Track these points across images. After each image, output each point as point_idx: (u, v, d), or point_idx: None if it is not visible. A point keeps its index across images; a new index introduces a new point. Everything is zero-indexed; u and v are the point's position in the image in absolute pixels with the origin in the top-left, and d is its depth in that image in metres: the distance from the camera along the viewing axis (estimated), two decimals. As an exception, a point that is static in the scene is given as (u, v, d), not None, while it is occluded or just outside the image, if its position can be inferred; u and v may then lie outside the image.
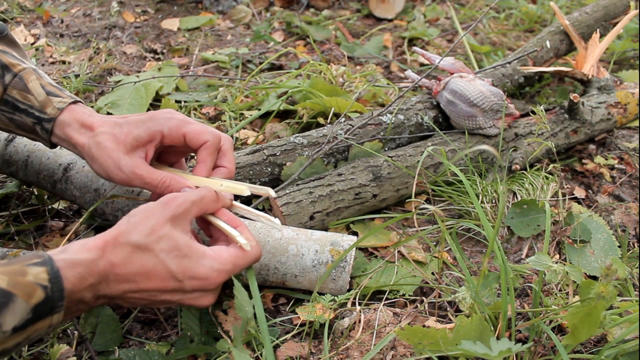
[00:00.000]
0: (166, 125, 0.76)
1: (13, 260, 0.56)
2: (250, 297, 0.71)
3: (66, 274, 0.57)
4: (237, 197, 1.04)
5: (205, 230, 0.77)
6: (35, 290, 0.55)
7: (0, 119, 0.81)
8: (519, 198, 1.08)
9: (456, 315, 0.84)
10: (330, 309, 0.81)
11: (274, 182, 1.05)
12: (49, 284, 0.56)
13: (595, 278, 0.92)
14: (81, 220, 0.90)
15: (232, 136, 1.30)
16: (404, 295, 0.88)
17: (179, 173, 0.80)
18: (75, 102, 0.80)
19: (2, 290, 0.53)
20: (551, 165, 1.11)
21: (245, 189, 0.77)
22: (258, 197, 1.02)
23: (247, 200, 1.05)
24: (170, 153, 0.83)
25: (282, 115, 1.39)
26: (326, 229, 0.99)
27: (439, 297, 0.87)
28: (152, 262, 0.63)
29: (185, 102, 1.46)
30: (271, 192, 0.79)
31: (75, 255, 0.60)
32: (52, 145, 0.82)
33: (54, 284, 0.56)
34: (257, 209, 1.06)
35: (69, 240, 0.99)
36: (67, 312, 0.59)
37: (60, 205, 1.08)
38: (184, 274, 0.64)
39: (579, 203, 1.13)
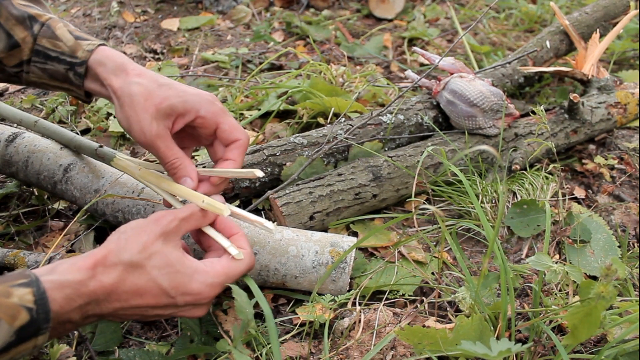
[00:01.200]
0: (205, 107, 0.73)
1: None
2: (251, 297, 0.71)
3: (53, 296, 0.56)
4: (232, 198, 1.04)
5: (200, 244, 0.76)
6: (19, 312, 0.53)
7: (34, 72, 0.79)
8: (519, 198, 1.08)
9: (456, 315, 0.84)
10: (330, 309, 0.82)
11: (274, 182, 1.05)
12: (34, 305, 0.54)
13: (595, 278, 0.92)
14: (76, 217, 0.90)
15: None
16: (404, 295, 0.88)
17: (170, 183, 0.78)
18: (103, 44, 0.78)
19: None
20: (551, 165, 1.11)
21: (225, 209, 0.73)
22: (258, 197, 1.02)
23: (247, 201, 1.05)
24: (186, 137, 0.79)
25: (282, 115, 1.39)
26: (326, 229, 0.99)
27: (439, 297, 0.87)
28: (144, 279, 0.62)
29: (185, 102, 1.46)
30: (257, 173, 0.74)
31: (63, 276, 0.58)
32: (87, 95, 0.80)
33: (39, 306, 0.55)
34: (257, 208, 1.06)
35: (69, 241, 0.99)
36: (53, 332, 0.58)
37: (60, 205, 1.08)
38: (177, 290, 0.64)
39: (579, 203, 1.13)
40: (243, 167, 0.77)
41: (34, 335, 0.55)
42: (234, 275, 0.69)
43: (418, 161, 1.06)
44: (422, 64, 1.79)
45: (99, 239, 0.99)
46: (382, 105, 1.43)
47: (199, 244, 0.76)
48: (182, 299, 0.65)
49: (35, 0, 0.83)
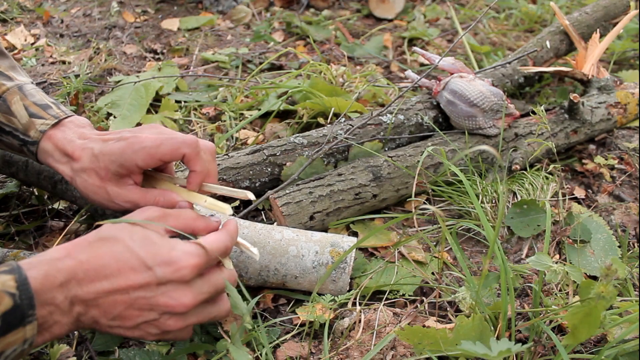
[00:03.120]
0: (138, 158, 0.71)
1: None
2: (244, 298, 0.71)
3: (32, 274, 0.55)
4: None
5: None
6: (2, 298, 0.52)
7: None
8: (519, 198, 1.08)
9: (456, 315, 0.84)
10: (330, 309, 0.82)
11: (274, 182, 1.05)
12: (16, 291, 0.53)
13: (595, 278, 0.92)
14: (76, 218, 0.90)
15: (232, 136, 1.30)
16: (404, 295, 0.88)
17: (169, 186, 0.77)
18: (56, 124, 0.77)
19: None
20: (551, 166, 1.11)
21: (228, 208, 0.72)
22: (258, 197, 1.02)
23: (246, 201, 1.05)
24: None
25: (282, 115, 1.39)
26: (326, 229, 0.99)
27: (439, 297, 0.87)
28: (120, 249, 0.60)
29: (185, 102, 1.46)
30: (249, 195, 0.75)
31: (40, 256, 0.58)
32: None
33: (22, 291, 0.53)
34: (257, 208, 1.06)
35: (68, 240, 0.99)
36: (44, 325, 0.55)
37: (60, 205, 1.08)
38: (154, 259, 0.60)
39: (579, 203, 1.13)
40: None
41: (21, 324, 0.53)
42: (216, 249, 0.65)
43: (418, 161, 1.06)
44: (422, 64, 1.79)
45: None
46: (382, 105, 1.43)
47: None
48: (161, 271, 0.60)
49: (3, 56, 0.83)
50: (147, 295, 0.61)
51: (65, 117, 0.79)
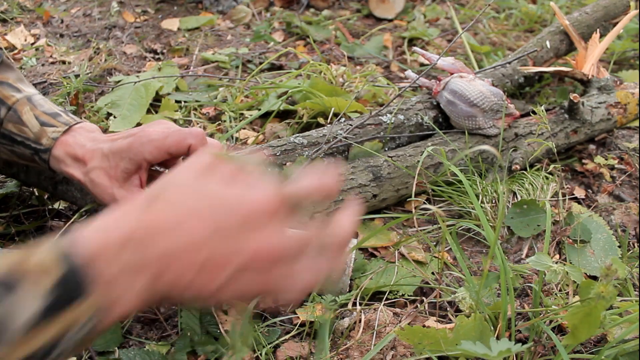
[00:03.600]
0: (146, 151, 0.74)
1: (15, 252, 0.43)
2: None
3: (85, 235, 0.43)
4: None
5: None
6: (50, 266, 0.40)
7: (3, 151, 0.83)
8: (519, 198, 1.08)
9: (456, 315, 0.84)
10: (330, 309, 0.82)
11: (274, 182, 1.05)
12: (64, 257, 0.41)
13: (595, 278, 0.92)
14: (74, 217, 0.91)
15: (232, 136, 1.30)
16: (404, 295, 0.88)
17: None
18: (67, 131, 0.79)
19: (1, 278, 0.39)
20: (551, 166, 1.11)
21: None
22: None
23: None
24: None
25: (282, 115, 1.39)
26: (326, 229, 0.99)
27: (439, 297, 0.87)
28: (190, 190, 0.46)
29: (185, 102, 1.46)
30: None
31: (92, 222, 0.45)
32: (55, 172, 0.83)
33: (71, 256, 0.41)
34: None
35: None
36: (106, 298, 0.42)
37: (60, 205, 1.08)
38: (233, 201, 0.46)
39: (579, 203, 1.13)
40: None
41: (78, 297, 0.40)
42: (299, 192, 0.50)
43: (418, 161, 1.06)
44: (422, 64, 1.79)
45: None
46: (382, 105, 1.43)
47: None
48: (240, 212, 0.46)
49: (10, 70, 0.84)
50: (228, 250, 0.46)
51: (75, 124, 0.82)
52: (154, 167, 0.82)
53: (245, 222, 0.46)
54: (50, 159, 0.79)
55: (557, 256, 0.98)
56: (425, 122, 1.19)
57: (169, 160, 0.82)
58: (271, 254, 0.47)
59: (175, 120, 1.37)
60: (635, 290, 0.90)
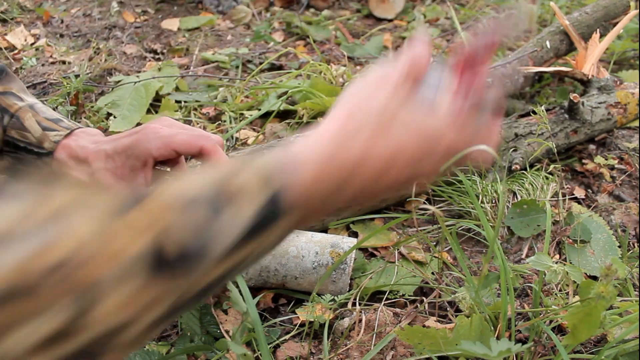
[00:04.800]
0: (153, 146, 0.73)
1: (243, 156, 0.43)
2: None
3: (287, 164, 0.42)
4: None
5: None
6: (253, 194, 0.39)
7: (6, 159, 0.83)
8: (519, 198, 1.08)
9: (456, 315, 0.84)
10: (330, 309, 0.82)
11: (274, 182, 1.05)
12: (267, 183, 0.40)
13: (595, 278, 0.92)
14: None
15: (232, 136, 1.30)
16: (404, 295, 0.88)
17: None
18: (69, 135, 0.80)
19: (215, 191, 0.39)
20: (551, 166, 1.11)
21: None
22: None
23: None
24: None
25: (282, 115, 1.39)
26: (326, 229, 0.99)
27: (439, 297, 0.87)
28: (404, 118, 0.46)
29: (185, 102, 1.46)
30: None
31: (307, 147, 0.43)
32: None
33: (274, 181, 0.40)
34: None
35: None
36: (301, 213, 0.43)
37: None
38: (437, 123, 0.47)
39: (579, 203, 1.13)
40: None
41: (275, 218, 0.40)
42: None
43: (418, 161, 1.06)
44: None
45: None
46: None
47: None
48: (433, 145, 0.48)
49: (13, 80, 0.85)
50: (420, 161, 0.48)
51: (77, 128, 0.82)
52: (157, 166, 0.82)
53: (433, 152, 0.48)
54: (54, 162, 0.80)
55: (557, 256, 0.98)
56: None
57: (173, 160, 0.82)
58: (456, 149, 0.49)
59: (175, 120, 1.37)
60: (635, 290, 0.90)
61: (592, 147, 1.30)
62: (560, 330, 0.81)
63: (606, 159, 1.24)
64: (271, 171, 0.41)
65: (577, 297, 0.83)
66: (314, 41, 1.88)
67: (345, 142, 0.44)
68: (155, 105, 1.44)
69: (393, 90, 0.47)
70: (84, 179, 0.77)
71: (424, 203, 1.08)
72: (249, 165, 0.42)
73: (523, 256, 0.99)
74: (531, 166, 1.17)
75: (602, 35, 1.51)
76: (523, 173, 1.14)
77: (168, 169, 0.82)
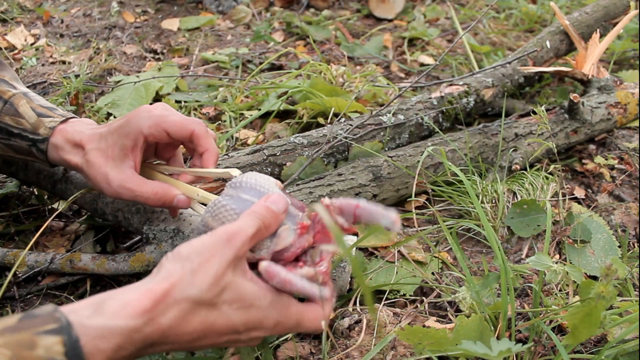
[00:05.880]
0: (144, 125, 0.74)
1: (24, 324, 0.45)
2: None
3: (98, 346, 0.46)
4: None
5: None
6: None
7: (0, 147, 0.83)
8: (519, 198, 1.08)
9: (456, 315, 0.84)
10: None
11: (274, 182, 1.05)
12: (64, 358, 0.44)
13: (595, 278, 0.92)
14: (59, 209, 0.90)
15: (232, 136, 1.30)
16: (404, 295, 0.88)
17: (166, 179, 0.78)
18: (65, 121, 0.80)
19: None
20: (551, 166, 1.11)
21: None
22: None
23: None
24: (163, 147, 0.82)
25: (282, 115, 1.39)
26: (326, 229, 0.99)
27: (439, 297, 0.87)
28: (213, 317, 0.53)
29: (185, 102, 1.46)
30: (233, 172, 0.72)
31: (113, 320, 0.48)
32: (51, 165, 0.83)
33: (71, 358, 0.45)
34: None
35: (69, 241, 0.99)
36: None
37: (60, 205, 1.08)
38: (246, 326, 0.55)
39: (579, 203, 1.13)
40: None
41: None
42: (306, 327, 0.59)
43: (418, 161, 1.06)
44: (422, 64, 1.79)
45: (99, 240, 0.99)
46: (382, 105, 1.43)
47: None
48: (247, 335, 0.56)
49: (4, 68, 0.85)
50: (219, 343, 0.56)
51: (72, 117, 0.82)
52: (149, 160, 0.82)
53: (238, 341, 0.57)
54: (49, 147, 0.79)
55: (557, 256, 0.98)
56: (425, 122, 1.19)
57: (165, 149, 0.81)
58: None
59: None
60: (635, 290, 0.90)
61: (592, 147, 1.30)
62: (560, 330, 0.81)
63: (606, 159, 1.24)
64: (72, 347, 0.45)
65: (577, 297, 0.83)
66: (314, 41, 1.88)
67: (154, 319, 0.50)
68: (155, 105, 1.44)
69: (223, 270, 0.53)
70: (77, 162, 0.77)
71: (424, 203, 1.08)
72: (47, 337, 0.45)
73: (523, 256, 0.99)
74: (531, 166, 1.17)
75: (602, 35, 1.51)
76: (523, 173, 1.14)
77: (164, 163, 0.82)
